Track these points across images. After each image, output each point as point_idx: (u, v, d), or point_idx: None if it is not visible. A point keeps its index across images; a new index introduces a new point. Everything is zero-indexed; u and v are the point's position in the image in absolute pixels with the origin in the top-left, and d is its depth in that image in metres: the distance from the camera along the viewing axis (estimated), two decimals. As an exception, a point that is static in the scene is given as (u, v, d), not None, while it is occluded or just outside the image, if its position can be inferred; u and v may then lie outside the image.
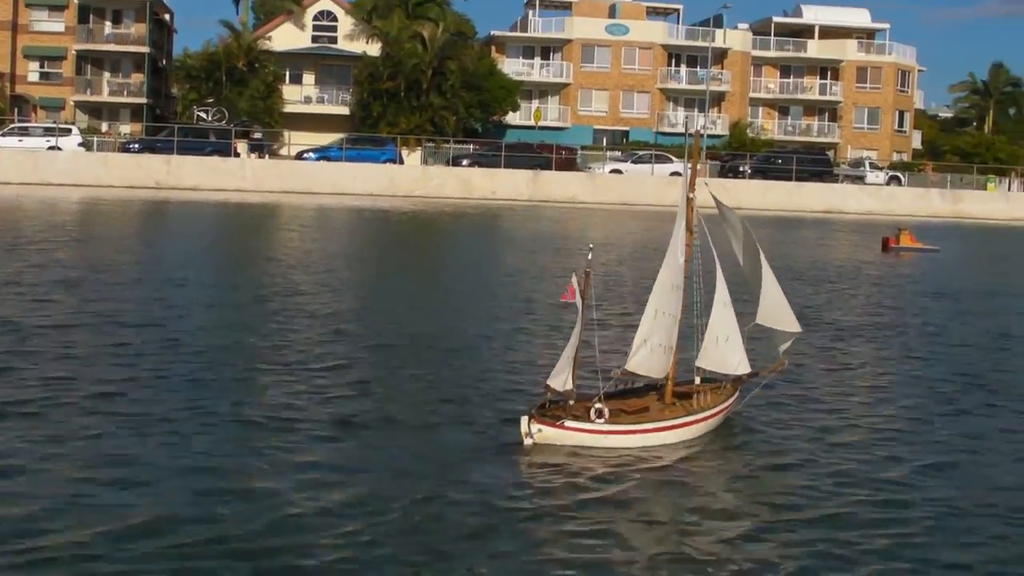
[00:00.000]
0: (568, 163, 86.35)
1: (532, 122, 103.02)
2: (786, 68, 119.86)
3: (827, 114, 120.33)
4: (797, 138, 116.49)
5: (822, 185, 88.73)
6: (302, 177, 76.60)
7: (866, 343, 22.86)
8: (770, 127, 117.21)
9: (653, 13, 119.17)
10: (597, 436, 13.54)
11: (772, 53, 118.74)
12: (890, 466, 13.70)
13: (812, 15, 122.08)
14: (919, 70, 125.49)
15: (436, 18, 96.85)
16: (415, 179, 79.58)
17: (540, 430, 13.42)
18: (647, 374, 14.56)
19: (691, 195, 14.64)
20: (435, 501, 11.77)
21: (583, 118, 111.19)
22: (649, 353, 14.37)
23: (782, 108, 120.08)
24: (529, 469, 12.98)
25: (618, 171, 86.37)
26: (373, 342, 20.47)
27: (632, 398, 14.60)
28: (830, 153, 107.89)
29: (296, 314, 23.39)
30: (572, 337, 13.87)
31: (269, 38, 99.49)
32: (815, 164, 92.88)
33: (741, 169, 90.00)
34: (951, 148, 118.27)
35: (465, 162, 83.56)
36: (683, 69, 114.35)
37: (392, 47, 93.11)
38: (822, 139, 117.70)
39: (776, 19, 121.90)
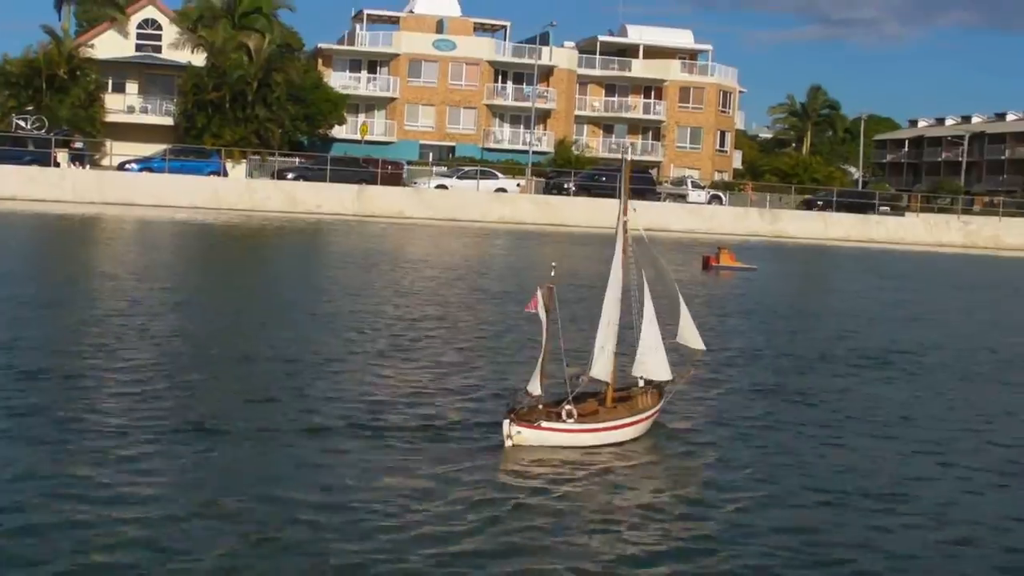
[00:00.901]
0: (394, 178, 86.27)
1: (358, 136, 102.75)
2: (611, 87, 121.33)
3: (651, 133, 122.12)
4: (621, 156, 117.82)
5: (645, 203, 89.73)
6: (124, 188, 75.15)
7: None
8: (595, 145, 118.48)
9: (480, 29, 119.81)
10: (568, 435, 14.77)
11: (597, 72, 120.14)
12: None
13: (637, 35, 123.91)
14: (740, 91, 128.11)
15: (262, 29, 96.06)
16: (239, 192, 78.71)
17: (519, 432, 14.50)
18: (604, 378, 15.75)
19: (624, 218, 16.03)
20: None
21: (410, 133, 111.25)
22: (606, 360, 15.66)
23: (607, 126, 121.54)
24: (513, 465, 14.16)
25: (444, 187, 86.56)
26: (223, 356, 20.22)
27: (584, 401, 15.53)
28: (653, 171, 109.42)
29: (124, 333, 22.95)
30: (542, 346, 14.90)
31: (92, 45, 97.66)
32: (638, 182, 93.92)
33: (566, 186, 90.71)
34: (770, 168, 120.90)
35: (290, 176, 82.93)
36: (510, 86, 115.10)
37: (217, 57, 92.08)
38: (646, 157, 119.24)
39: (601, 38, 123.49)
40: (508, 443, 14.52)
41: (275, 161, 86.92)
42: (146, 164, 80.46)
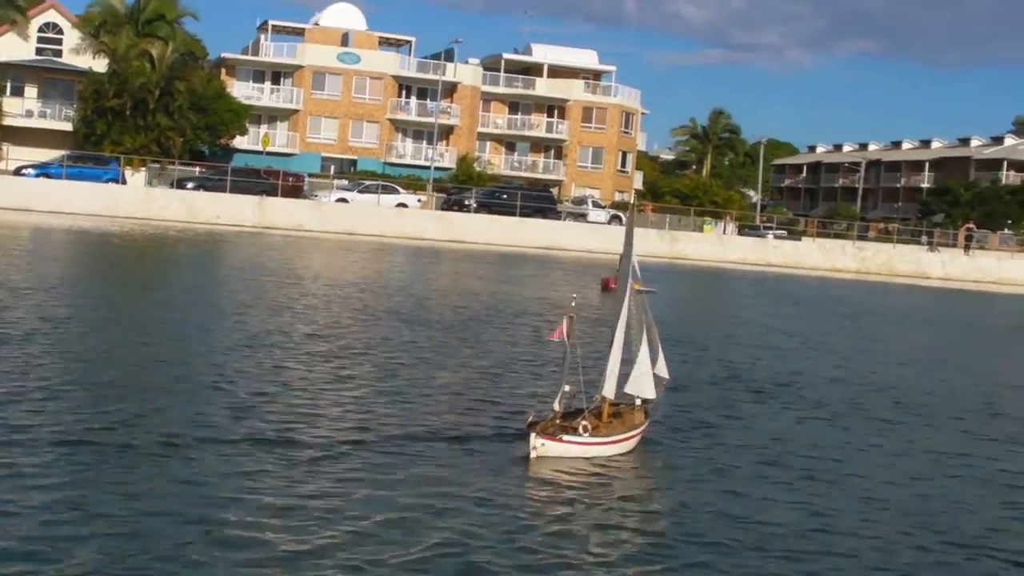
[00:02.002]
0: (295, 190, 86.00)
1: (260, 147, 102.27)
2: (514, 104, 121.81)
3: (553, 151, 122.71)
4: (523, 174, 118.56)
5: (545, 222, 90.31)
6: (20, 193, 74.18)
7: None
8: (497, 162, 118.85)
9: (385, 44, 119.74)
10: (584, 447, 16.25)
11: (501, 89, 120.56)
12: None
13: (541, 54, 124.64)
14: (643, 112, 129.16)
15: (166, 37, 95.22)
16: (138, 200, 77.95)
17: (543, 444, 15.94)
18: (611, 397, 17.37)
19: (634, 260, 17.75)
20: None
21: (312, 145, 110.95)
22: (614, 381, 17.30)
23: (509, 144, 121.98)
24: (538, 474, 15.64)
25: (344, 200, 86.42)
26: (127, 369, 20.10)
27: (583, 416, 16.73)
28: (554, 190, 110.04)
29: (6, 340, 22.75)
30: (563, 369, 16.61)
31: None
32: (539, 200, 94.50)
33: (466, 203, 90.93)
34: (671, 190, 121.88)
35: (190, 185, 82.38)
36: (413, 101, 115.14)
37: (119, 64, 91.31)
38: (548, 176, 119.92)
39: (506, 56, 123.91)
40: (533, 454, 15.90)
41: (175, 170, 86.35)
42: (43, 169, 79.47)
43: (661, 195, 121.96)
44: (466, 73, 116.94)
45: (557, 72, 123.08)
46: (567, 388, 16.70)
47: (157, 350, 23.23)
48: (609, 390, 17.27)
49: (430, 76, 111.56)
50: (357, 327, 29.47)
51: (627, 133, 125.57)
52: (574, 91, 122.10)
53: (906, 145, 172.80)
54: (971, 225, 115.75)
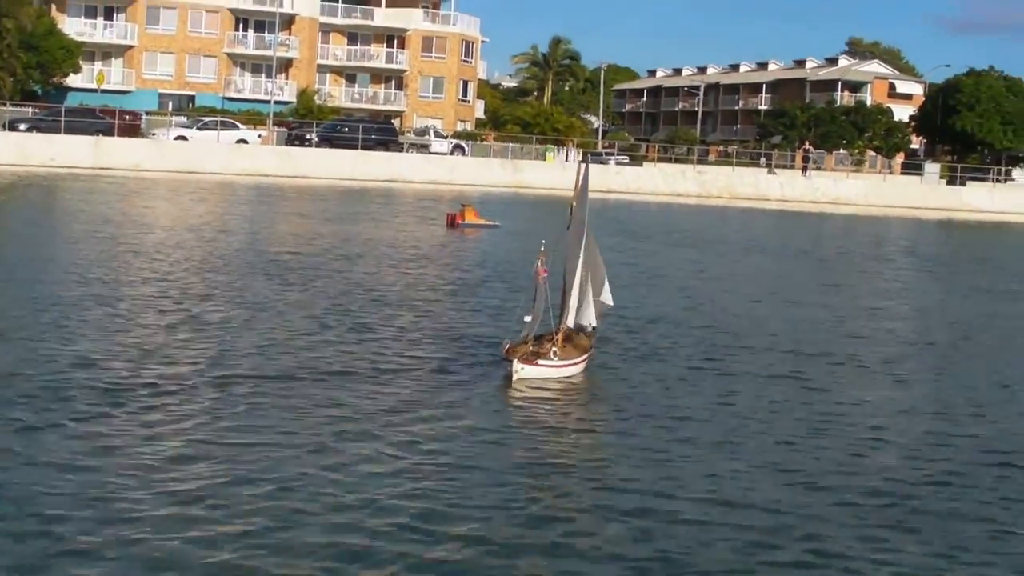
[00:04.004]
0: (132, 129, 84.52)
1: (95, 85, 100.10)
2: (353, 35, 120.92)
3: (394, 82, 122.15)
4: (364, 106, 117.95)
5: (388, 154, 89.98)
6: None
7: (423, 317, 23.35)
8: (338, 94, 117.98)
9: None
10: (555, 369, 18.42)
11: (340, 20, 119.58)
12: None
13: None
14: (483, 41, 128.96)
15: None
16: (-33, 144, 76.02)
17: (523, 368, 18.08)
18: (585, 324, 19.49)
19: (574, 205, 19.54)
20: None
21: (148, 82, 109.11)
22: (578, 311, 19.30)
23: (349, 75, 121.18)
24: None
25: (183, 138, 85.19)
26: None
27: (542, 342, 18.82)
28: (396, 122, 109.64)
29: None
30: (537, 303, 18.78)
31: None
32: (381, 133, 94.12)
33: (308, 137, 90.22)
34: (512, 118, 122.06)
35: (22, 127, 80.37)
36: (251, 34, 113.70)
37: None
38: (389, 107, 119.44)
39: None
40: (515, 377, 18.03)
41: (6, 111, 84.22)
42: None
43: (503, 123, 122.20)
44: (304, 4, 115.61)
45: (396, 2, 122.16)
46: (528, 319, 18.82)
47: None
48: (571, 320, 19.34)
49: (267, 8, 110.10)
50: (207, 273, 29.15)
51: (467, 62, 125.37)
52: (413, 20, 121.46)
53: (744, 68, 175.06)
54: (808, 146, 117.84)
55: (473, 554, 11.01)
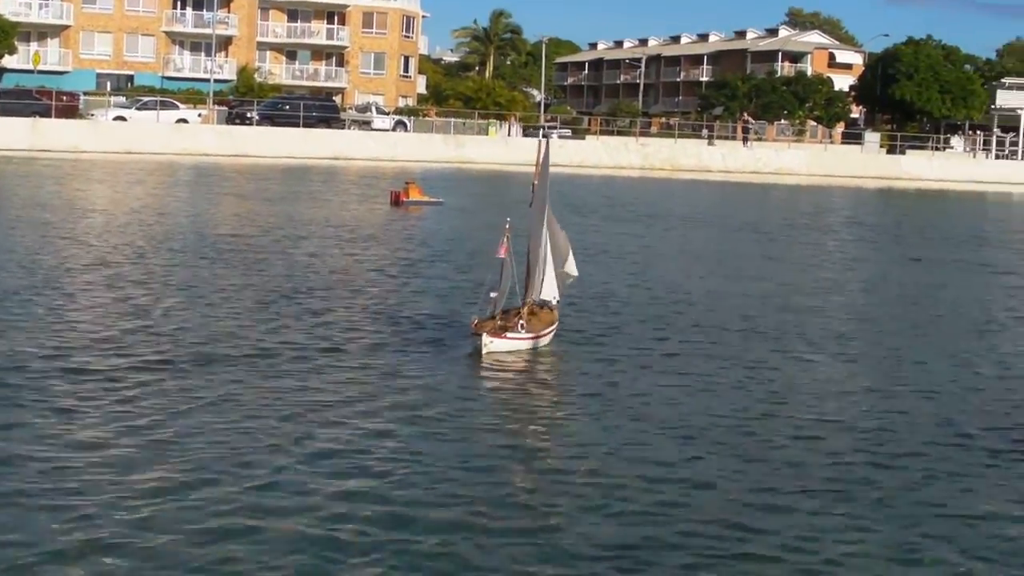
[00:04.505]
0: (70, 110, 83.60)
1: (31, 66, 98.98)
2: (293, 12, 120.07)
3: (334, 59, 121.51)
4: (305, 83, 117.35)
5: (330, 131, 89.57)
6: None
7: (374, 298, 23.24)
8: (278, 72, 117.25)
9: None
10: (522, 342, 19.25)
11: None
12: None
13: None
14: (423, 16, 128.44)
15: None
16: (-99, 128, 75.02)
17: (492, 341, 18.83)
18: (549, 298, 20.30)
19: (535, 183, 20.07)
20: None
21: (86, 62, 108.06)
22: (540, 285, 19.99)
23: (290, 52, 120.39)
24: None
25: (122, 118, 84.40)
26: None
27: (508, 316, 19.68)
28: (337, 98, 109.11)
29: None
30: (504, 280, 19.53)
31: None
32: (323, 110, 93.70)
33: (248, 115, 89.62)
34: (454, 93, 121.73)
35: (-43, 109, 79.50)
36: (189, 12, 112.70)
37: None
38: (330, 84, 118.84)
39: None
40: (485, 350, 18.73)
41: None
42: None
43: (445, 98, 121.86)
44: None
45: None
46: (493, 294, 19.59)
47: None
48: (536, 295, 20.10)
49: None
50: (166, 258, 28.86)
51: (408, 37, 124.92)
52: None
53: (685, 39, 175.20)
54: (747, 117, 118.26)
55: (444, 540, 10.97)
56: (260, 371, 17.26)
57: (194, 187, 56.53)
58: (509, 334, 19.30)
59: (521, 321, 19.53)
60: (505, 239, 19.64)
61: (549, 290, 20.27)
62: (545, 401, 16.93)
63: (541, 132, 21.09)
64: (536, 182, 20.10)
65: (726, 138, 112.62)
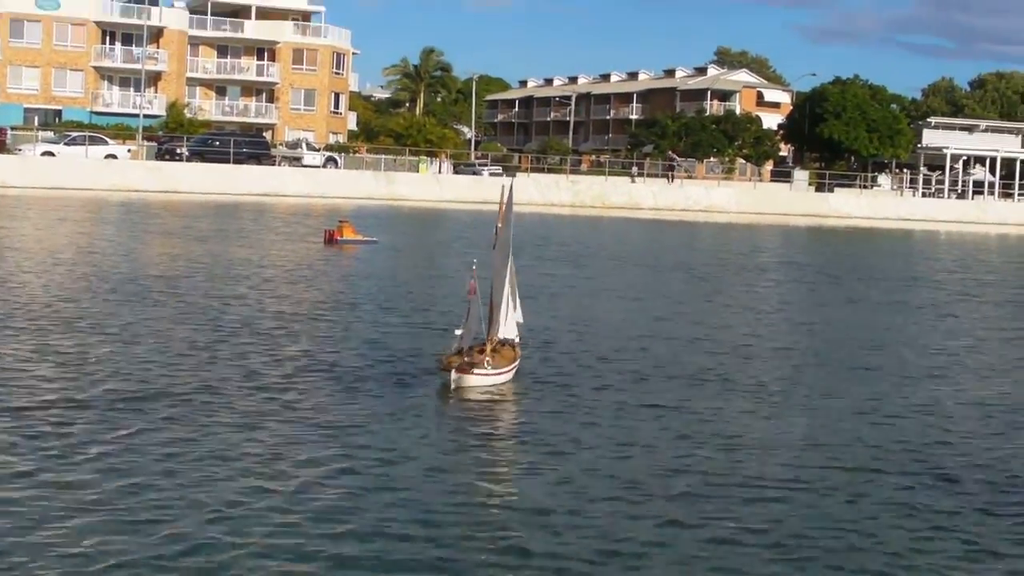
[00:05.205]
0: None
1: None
2: (223, 48, 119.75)
3: (265, 95, 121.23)
4: (235, 119, 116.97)
5: (260, 168, 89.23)
6: None
7: (308, 339, 23.02)
8: (208, 108, 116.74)
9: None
10: (489, 378, 19.82)
11: (209, 32, 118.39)
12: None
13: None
14: (354, 53, 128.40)
15: None
16: None
17: (459, 377, 19.43)
18: (509, 336, 21.00)
19: (499, 225, 20.58)
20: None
21: (13, 96, 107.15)
22: (501, 325, 20.66)
23: (220, 88, 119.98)
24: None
25: (51, 153, 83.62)
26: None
27: (477, 353, 20.17)
28: (268, 134, 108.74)
29: None
30: (471, 319, 20.34)
31: None
32: (253, 146, 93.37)
33: (178, 151, 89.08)
34: (385, 130, 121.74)
35: None
36: (118, 47, 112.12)
37: None
38: (260, 120, 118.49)
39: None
40: (453, 386, 19.33)
41: None
42: None
43: (375, 135, 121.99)
44: (172, 17, 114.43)
45: (266, 14, 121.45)
46: (459, 332, 20.34)
47: None
48: (501, 333, 20.72)
49: (134, 21, 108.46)
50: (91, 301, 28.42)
51: (339, 74, 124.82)
52: (284, 33, 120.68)
53: (615, 78, 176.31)
54: (672, 154, 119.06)
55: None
56: (207, 413, 16.97)
57: (123, 224, 55.87)
58: (476, 370, 19.80)
59: (487, 358, 20.03)
60: (473, 279, 20.20)
61: (510, 328, 21.01)
62: (494, 451, 16.59)
63: (508, 178, 20.97)
64: (500, 224, 20.58)
65: (656, 175, 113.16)
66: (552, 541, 12.34)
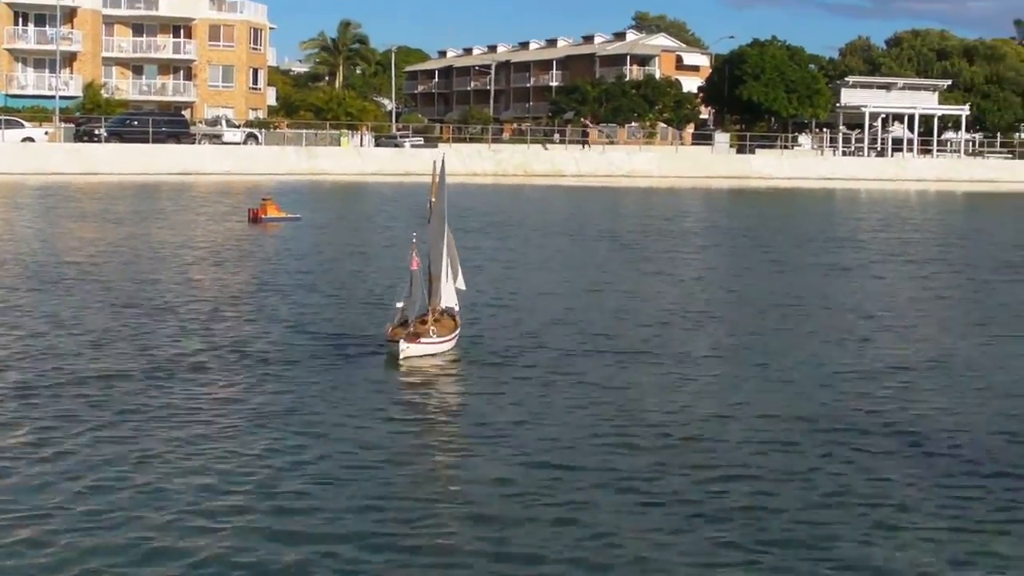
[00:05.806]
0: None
1: None
2: (138, 26, 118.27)
3: (182, 72, 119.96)
4: (153, 98, 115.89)
5: (180, 146, 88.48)
6: None
7: (239, 321, 22.91)
8: (125, 87, 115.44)
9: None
10: (435, 346, 20.66)
11: (123, 11, 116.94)
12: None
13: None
14: (271, 28, 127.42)
15: None
16: None
17: (408, 347, 20.19)
18: (452, 305, 21.78)
19: (433, 199, 21.26)
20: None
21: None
22: (444, 293, 21.39)
23: (136, 67, 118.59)
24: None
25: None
26: None
27: (419, 323, 20.84)
28: (187, 112, 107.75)
29: None
30: (412, 290, 20.88)
31: None
32: (172, 125, 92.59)
33: (96, 132, 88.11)
34: (305, 105, 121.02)
35: None
36: (31, 28, 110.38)
37: None
38: (178, 98, 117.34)
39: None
40: (402, 355, 20.07)
41: None
42: None
43: (295, 110, 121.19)
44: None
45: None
46: (400, 304, 21.06)
47: None
48: (442, 302, 21.50)
49: (47, 2, 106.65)
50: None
51: (256, 49, 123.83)
52: (199, 9, 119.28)
53: (534, 45, 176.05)
54: (586, 121, 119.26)
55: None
56: (134, 403, 16.74)
57: (39, 209, 55.14)
58: (423, 339, 20.56)
59: (432, 328, 20.84)
60: (414, 252, 20.98)
61: (449, 298, 21.74)
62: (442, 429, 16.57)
63: (442, 156, 20.87)
64: (434, 199, 21.30)
65: (577, 142, 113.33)
66: (504, 513, 12.45)
